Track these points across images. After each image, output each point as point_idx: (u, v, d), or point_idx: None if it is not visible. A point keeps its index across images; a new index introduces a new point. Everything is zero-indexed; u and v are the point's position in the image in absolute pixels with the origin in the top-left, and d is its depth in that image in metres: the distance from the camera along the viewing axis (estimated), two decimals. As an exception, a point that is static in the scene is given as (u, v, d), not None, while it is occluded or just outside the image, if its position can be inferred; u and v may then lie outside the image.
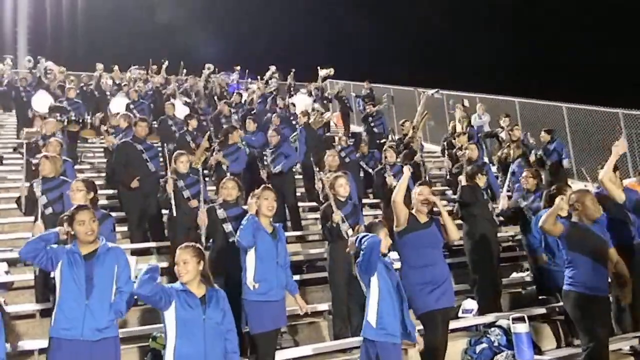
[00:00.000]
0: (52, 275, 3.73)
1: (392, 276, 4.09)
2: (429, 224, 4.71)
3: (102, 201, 8.51)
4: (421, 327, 4.63)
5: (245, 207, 5.07)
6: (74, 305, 3.53)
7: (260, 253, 4.37)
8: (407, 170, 4.83)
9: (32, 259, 3.62)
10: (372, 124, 11.64)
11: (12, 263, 6.70)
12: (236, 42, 23.86)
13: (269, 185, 4.77)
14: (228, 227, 5.15)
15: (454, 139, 10.36)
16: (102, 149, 10.48)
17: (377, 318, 3.92)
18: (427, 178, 9.12)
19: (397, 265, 5.86)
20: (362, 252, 3.93)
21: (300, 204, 9.28)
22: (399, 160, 8.35)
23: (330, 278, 5.57)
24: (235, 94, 13.20)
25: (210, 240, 5.31)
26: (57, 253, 3.61)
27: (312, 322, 5.85)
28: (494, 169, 11.69)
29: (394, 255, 6.59)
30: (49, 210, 5.56)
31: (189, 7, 24.02)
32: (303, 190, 9.54)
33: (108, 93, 13.34)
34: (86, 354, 3.51)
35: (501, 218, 6.89)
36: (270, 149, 8.49)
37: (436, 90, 13.16)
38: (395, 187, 4.88)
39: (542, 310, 6.07)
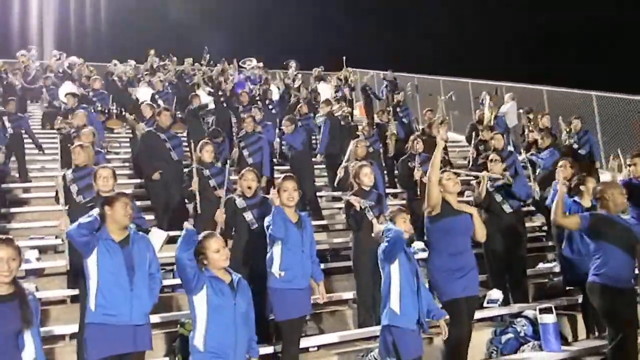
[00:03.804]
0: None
1: (412, 266, 4.14)
2: (461, 210, 4.66)
3: (128, 190, 8.67)
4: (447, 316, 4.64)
5: (267, 196, 5.13)
6: (118, 292, 3.59)
7: (286, 243, 4.38)
8: (440, 144, 4.63)
9: (81, 243, 3.60)
10: (401, 115, 11.48)
11: (43, 250, 6.87)
12: (249, 33, 23.78)
13: (290, 175, 4.72)
14: (249, 215, 5.17)
15: (480, 125, 10.28)
16: (127, 139, 10.62)
17: (401, 305, 3.99)
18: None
19: (421, 255, 5.89)
20: (385, 243, 4.03)
21: (324, 193, 9.34)
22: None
23: (355, 267, 5.58)
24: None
25: (233, 230, 5.35)
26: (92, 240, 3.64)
27: (337, 311, 5.89)
28: (521, 157, 11.58)
29: (418, 244, 6.56)
30: (80, 199, 5.63)
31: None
32: (326, 179, 9.59)
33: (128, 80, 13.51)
34: (130, 338, 3.61)
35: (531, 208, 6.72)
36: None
37: (453, 93, 12.93)
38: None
39: (569, 301, 6.00)
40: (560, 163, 6.45)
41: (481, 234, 4.70)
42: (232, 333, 3.45)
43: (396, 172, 9.97)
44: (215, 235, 3.65)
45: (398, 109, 11.50)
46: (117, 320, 3.57)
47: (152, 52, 15.32)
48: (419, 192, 7.18)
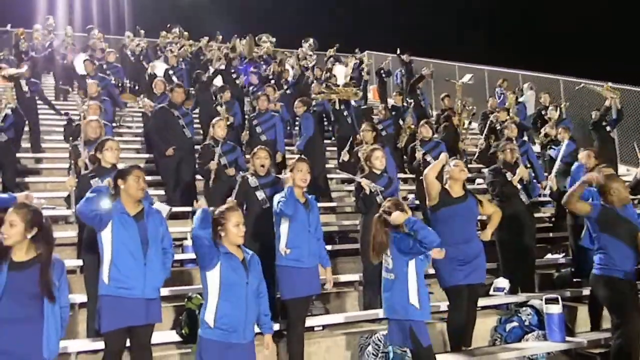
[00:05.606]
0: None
1: (424, 257, 4.03)
2: (462, 198, 4.68)
3: (140, 165, 8.69)
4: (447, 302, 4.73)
5: (280, 176, 5.16)
6: (132, 266, 3.63)
7: (293, 221, 4.44)
8: (444, 156, 4.79)
9: (91, 218, 3.62)
10: (420, 98, 11.33)
11: (54, 221, 6.92)
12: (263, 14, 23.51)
13: (303, 157, 4.80)
14: (261, 194, 5.19)
15: (492, 114, 10.21)
16: (140, 114, 10.63)
17: (420, 300, 3.90)
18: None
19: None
20: (412, 239, 3.83)
21: (333, 175, 9.34)
22: (435, 136, 8.19)
23: (363, 250, 5.58)
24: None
25: (245, 208, 5.37)
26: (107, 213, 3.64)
27: (343, 292, 5.93)
28: (536, 148, 11.48)
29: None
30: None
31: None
32: (337, 162, 9.57)
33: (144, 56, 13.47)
34: (142, 311, 3.66)
35: (545, 198, 6.70)
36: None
37: (471, 75, 12.78)
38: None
39: (575, 293, 5.99)
40: (585, 152, 6.40)
41: (489, 232, 4.81)
42: (243, 310, 3.45)
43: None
44: (238, 209, 3.63)
45: (418, 90, 11.30)
46: (130, 294, 3.61)
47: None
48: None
